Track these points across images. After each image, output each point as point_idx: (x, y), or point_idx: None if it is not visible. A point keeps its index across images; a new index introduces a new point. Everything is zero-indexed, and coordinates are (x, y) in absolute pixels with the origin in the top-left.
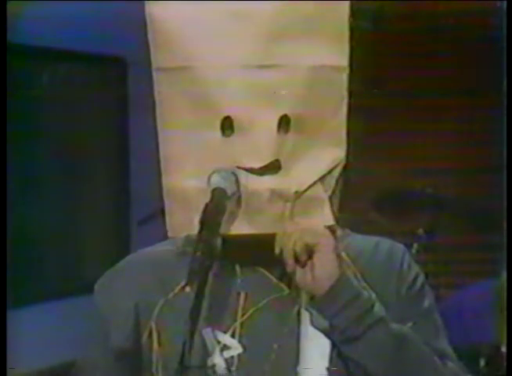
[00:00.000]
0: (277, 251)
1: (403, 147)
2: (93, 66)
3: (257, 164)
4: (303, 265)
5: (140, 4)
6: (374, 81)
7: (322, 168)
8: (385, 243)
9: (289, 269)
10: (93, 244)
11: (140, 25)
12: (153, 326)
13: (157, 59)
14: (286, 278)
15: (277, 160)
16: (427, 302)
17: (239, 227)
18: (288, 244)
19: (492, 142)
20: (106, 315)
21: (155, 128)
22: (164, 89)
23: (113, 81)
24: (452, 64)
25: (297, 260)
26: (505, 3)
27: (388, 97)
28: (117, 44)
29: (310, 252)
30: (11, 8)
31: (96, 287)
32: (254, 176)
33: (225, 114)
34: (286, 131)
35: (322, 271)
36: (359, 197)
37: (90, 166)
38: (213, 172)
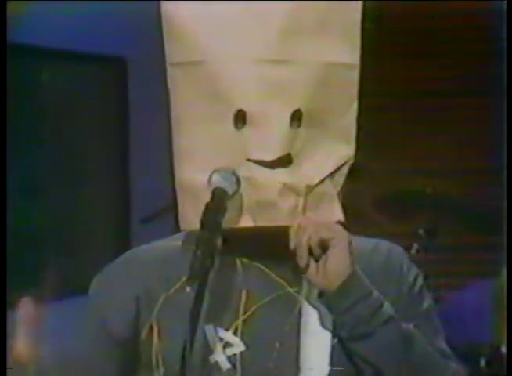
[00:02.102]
0: (292, 244)
1: (403, 147)
2: (93, 66)
3: (268, 158)
4: (316, 260)
5: (140, 4)
6: (374, 81)
7: (332, 164)
8: (384, 244)
9: (302, 263)
10: (93, 243)
11: (140, 24)
12: (154, 321)
13: (171, 53)
14: (289, 275)
15: (288, 154)
16: (426, 303)
17: (250, 220)
18: (303, 238)
19: (492, 142)
20: (105, 304)
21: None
22: (177, 84)
23: (113, 81)
24: (452, 64)
25: (310, 254)
26: (505, 3)
27: (388, 97)
28: (117, 44)
29: (325, 247)
30: (11, 8)
31: (97, 276)
32: (265, 170)
33: (238, 107)
34: (298, 125)
35: (335, 266)
36: (359, 197)
37: (90, 166)
38: (213, 172)
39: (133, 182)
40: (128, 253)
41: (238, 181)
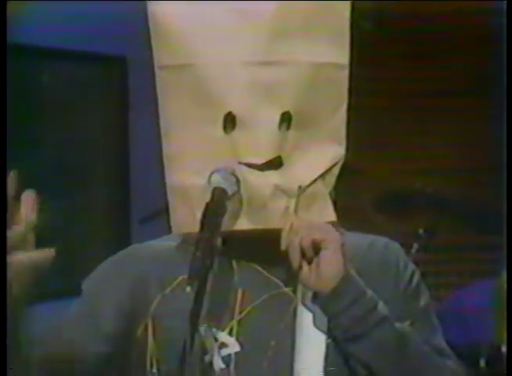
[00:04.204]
0: (283, 246)
1: (403, 147)
2: (93, 65)
3: (258, 160)
4: (309, 262)
5: (140, 3)
6: (374, 81)
7: (323, 165)
8: (380, 240)
9: (294, 265)
10: (93, 243)
11: (140, 24)
12: (149, 320)
13: (160, 57)
14: (284, 275)
15: (279, 157)
16: (423, 300)
17: (243, 223)
18: (295, 240)
19: (492, 142)
20: (99, 302)
21: (157, 125)
22: (166, 87)
23: (114, 81)
24: (453, 64)
25: (303, 256)
26: (505, 3)
27: (388, 97)
28: (117, 43)
29: (317, 249)
30: (11, 8)
31: (92, 274)
32: (256, 172)
33: (228, 110)
34: (288, 127)
35: (328, 268)
36: (359, 197)
37: (90, 166)
38: (213, 172)
39: (133, 182)
40: (124, 251)
41: (238, 181)
